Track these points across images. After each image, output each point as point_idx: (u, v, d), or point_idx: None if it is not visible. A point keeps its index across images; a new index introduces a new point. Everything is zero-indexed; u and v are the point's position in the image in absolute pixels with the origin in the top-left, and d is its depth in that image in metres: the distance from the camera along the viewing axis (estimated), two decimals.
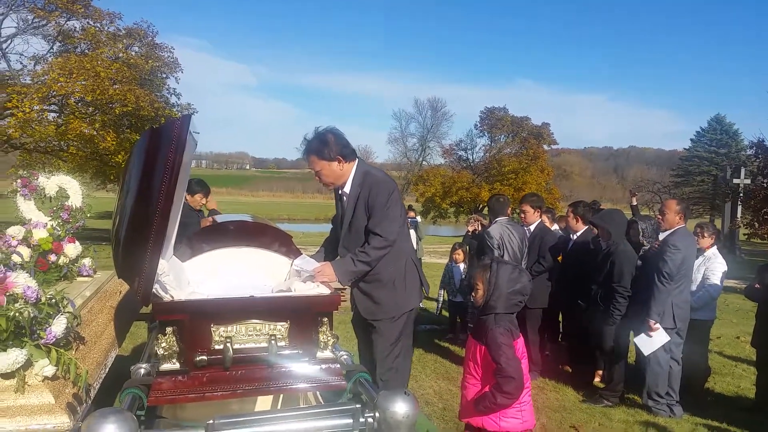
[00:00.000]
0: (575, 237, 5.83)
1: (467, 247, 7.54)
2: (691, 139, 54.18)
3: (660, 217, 5.02)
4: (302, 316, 2.28)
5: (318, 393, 2.56)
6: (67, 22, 23.42)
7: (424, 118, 65.62)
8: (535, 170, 41.23)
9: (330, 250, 3.57)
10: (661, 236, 5.08)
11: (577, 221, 5.79)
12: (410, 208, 10.83)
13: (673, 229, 4.87)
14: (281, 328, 2.25)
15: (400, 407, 1.72)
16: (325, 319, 2.33)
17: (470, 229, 8.23)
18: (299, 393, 2.43)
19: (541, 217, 6.04)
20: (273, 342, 2.21)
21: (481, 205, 41.28)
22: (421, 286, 3.46)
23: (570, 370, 6.03)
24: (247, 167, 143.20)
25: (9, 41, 23.47)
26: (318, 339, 2.30)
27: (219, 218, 4.12)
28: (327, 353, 2.31)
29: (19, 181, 7.45)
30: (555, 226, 6.85)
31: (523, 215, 5.97)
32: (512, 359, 2.53)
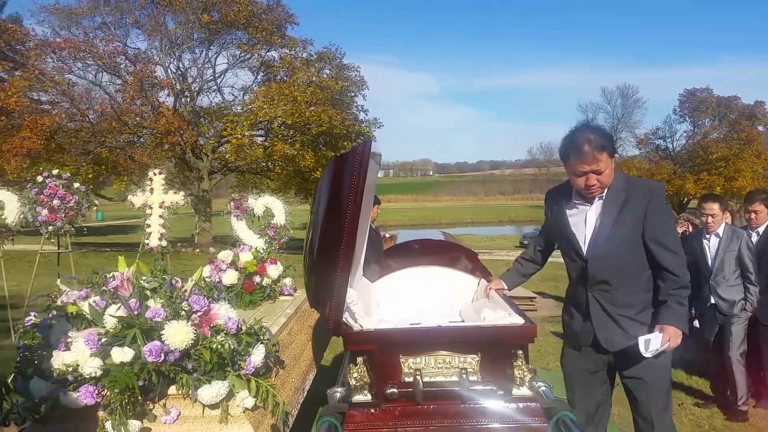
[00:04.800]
0: None
1: None
2: None
3: None
4: (495, 349, 2.10)
5: None
6: (267, 53, 26.09)
7: (613, 107, 61.24)
8: (749, 156, 35.99)
9: (525, 271, 3.13)
10: None
11: None
12: None
13: None
14: (472, 361, 2.10)
15: None
16: (520, 352, 2.12)
17: (679, 230, 7.31)
18: None
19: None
20: (464, 376, 2.06)
21: (685, 199, 37.16)
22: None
23: None
24: (430, 173, 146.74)
25: (222, 76, 26.83)
26: (513, 374, 2.10)
27: (402, 235, 4.11)
28: (524, 390, 2.10)
29: (231, 203, 8.33)
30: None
31: (752, 216, 5.06)
32: None
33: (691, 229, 7.13)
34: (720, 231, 4.71)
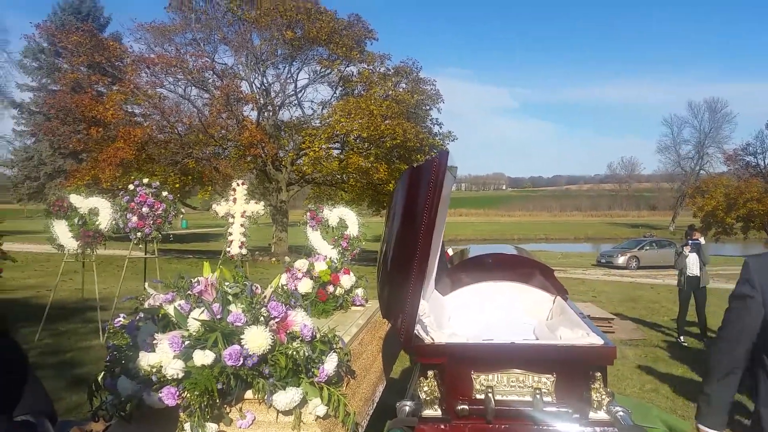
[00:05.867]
0: None
1: None
2: None
3: None
4: (571, 369, 2.03)
5: None
6: (346, 68, 26.62)
7: (700, 121, 58.80)
8: None
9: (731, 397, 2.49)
10: None
11: None
12: (693, 228, 9.45)
13: None
14: (546, 381, 2.04)
15: None
16: (599, 374, 2.04)
17: None
18: None
19: None
20: (538, 396, 2.01)
21: None
22: None
23: None
24: (503, 187, 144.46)
25: (302, 91, 27.63)
26: (590, 397, 2.02)
27: (474, 249, 4.06)
28: (601, 414, 2.02)
29: (308, 213, 8.53)
30: None
31: None
32: None
33: None
34: None
